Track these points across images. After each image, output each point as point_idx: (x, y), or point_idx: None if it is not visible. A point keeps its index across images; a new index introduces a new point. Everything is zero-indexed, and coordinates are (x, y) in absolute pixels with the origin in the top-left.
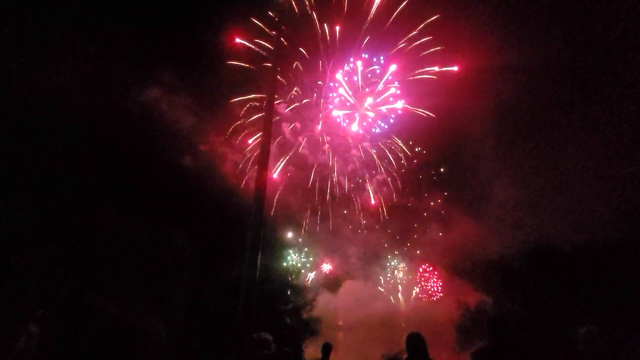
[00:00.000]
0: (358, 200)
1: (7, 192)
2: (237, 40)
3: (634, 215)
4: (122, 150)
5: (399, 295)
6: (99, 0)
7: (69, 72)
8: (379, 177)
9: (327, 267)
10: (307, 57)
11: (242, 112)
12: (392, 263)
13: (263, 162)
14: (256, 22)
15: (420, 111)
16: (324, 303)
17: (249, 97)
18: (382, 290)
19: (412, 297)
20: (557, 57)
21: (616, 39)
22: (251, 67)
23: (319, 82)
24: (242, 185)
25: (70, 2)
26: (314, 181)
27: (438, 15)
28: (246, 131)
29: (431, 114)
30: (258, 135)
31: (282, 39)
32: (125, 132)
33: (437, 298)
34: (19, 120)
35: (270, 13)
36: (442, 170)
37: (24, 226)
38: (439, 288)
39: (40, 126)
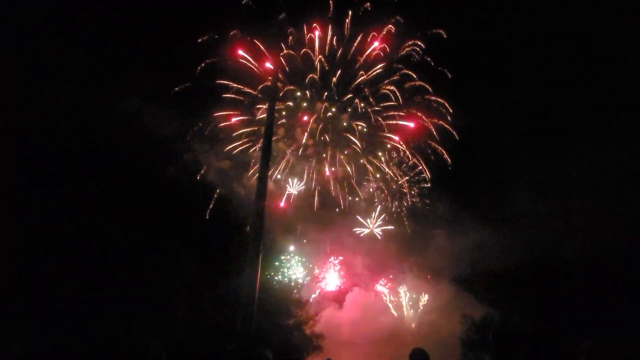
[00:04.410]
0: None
1: (5, 204)
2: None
3: None
4: (120, 163)
5: (404, 309)
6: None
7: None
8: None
9: (331, 280)
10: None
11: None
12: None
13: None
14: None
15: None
16: (327, 317)
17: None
18: (387, 302)
19: (419, 310)
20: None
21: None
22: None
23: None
24: (242, 195)
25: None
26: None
27: None
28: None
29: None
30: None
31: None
32: (124, 145)
33: (442, 312)
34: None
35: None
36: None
37: (19, 238)
38: (445, 302)
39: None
